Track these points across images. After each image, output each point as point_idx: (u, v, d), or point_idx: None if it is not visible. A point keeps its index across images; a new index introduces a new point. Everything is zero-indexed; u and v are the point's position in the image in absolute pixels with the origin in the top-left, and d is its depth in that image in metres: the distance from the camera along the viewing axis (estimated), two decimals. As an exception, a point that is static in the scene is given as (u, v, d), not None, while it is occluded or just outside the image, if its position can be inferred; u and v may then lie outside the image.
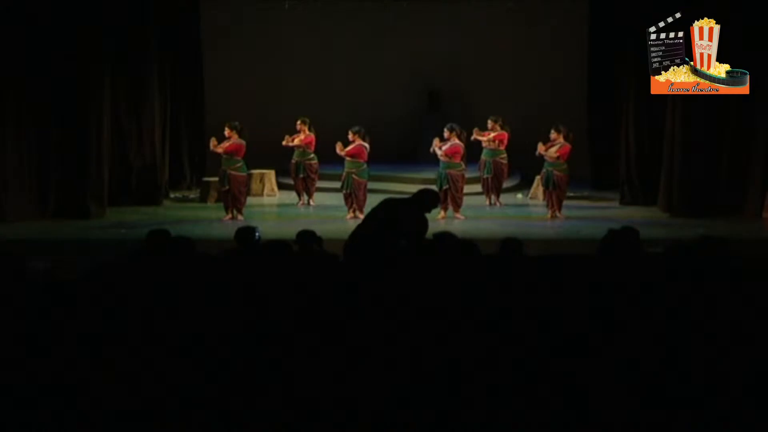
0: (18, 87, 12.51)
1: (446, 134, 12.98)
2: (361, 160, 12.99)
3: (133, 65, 14.19)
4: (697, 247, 6.66)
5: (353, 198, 12.96)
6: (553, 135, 12.96)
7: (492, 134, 14.20)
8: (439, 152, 12.91)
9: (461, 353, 4.76)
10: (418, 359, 4.67)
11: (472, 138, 13.98)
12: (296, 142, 14.21)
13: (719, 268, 6.26)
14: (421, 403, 4.32)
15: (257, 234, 7.55)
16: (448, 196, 12.90)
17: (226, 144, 12.85)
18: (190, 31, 16.01)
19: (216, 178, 13.62)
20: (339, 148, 12.94)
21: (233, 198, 12.83)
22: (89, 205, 12.98)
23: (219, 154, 12.91)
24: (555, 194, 12.96)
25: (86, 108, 12.94)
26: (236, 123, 13.00)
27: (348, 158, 12.96)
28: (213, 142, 12.96)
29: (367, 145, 13.01)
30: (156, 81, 14.56)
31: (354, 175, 12.92)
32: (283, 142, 14.27)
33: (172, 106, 15.35)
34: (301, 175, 14.26)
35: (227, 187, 12.82)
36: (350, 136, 13.03)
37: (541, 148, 12.88)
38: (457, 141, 12.96)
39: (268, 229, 10.80)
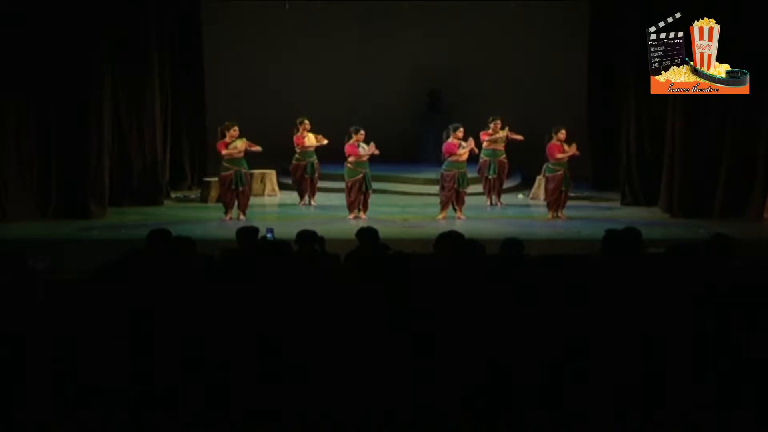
0: (18, 87, 12.49)
1: (460, 133, 12.85)
2: (365, 160, 12.94)
3: (133, 65, 14.17)
4: (709, 245, 6.65)
5: (364, 197, 12.89)
6: (562, 134, 12.80)
7: (503, 133, 14.11)
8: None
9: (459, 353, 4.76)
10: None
11: (488, 138, 14.01)
12: (314, 141, 14.08)
13: (721, 268, 6.26)
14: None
15: (270, 234, 7.48)
16: (459, 195, 12.86)
17: (251, 144, 12.75)
18: (190, 31, 16.00)
19: (216, 178, 13.57)
20: (373, 148, 12.75)
21: (245, 197, 12.79)
22: (89, 205, 12.96)
23: (221, 155, 12.76)
24: (565, 194, 12.90)
25: (86, 108, 12.93)
26: (234, 123, 12.87)
27: (365, 159, 12.87)
28: (246, 143, 12.73)
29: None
30: (156, 81, 14.53)
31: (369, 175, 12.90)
32: (309, 144, 14.07)
33: (172, 106, 15.33)
34: (316, 174, 14.19)
35: (243, 188, 12.75)
36: (360, 136, 12.86)
37: (566, 149, 12.75)
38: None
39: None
